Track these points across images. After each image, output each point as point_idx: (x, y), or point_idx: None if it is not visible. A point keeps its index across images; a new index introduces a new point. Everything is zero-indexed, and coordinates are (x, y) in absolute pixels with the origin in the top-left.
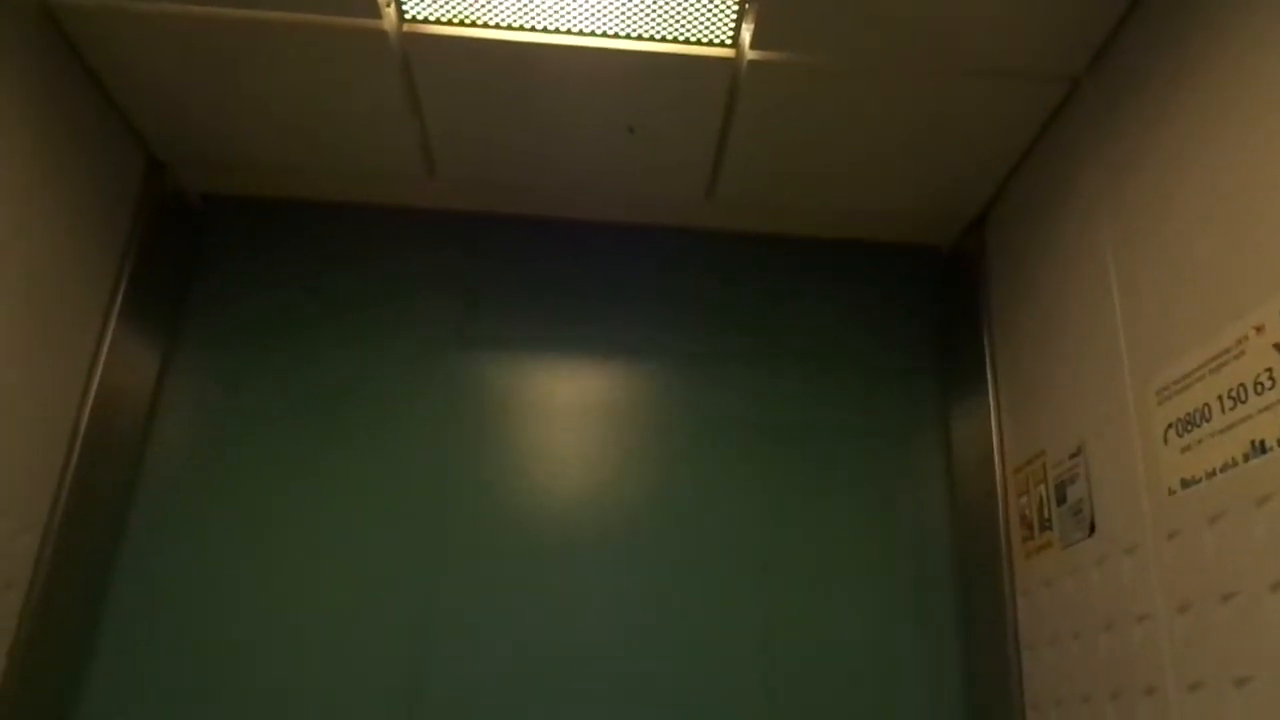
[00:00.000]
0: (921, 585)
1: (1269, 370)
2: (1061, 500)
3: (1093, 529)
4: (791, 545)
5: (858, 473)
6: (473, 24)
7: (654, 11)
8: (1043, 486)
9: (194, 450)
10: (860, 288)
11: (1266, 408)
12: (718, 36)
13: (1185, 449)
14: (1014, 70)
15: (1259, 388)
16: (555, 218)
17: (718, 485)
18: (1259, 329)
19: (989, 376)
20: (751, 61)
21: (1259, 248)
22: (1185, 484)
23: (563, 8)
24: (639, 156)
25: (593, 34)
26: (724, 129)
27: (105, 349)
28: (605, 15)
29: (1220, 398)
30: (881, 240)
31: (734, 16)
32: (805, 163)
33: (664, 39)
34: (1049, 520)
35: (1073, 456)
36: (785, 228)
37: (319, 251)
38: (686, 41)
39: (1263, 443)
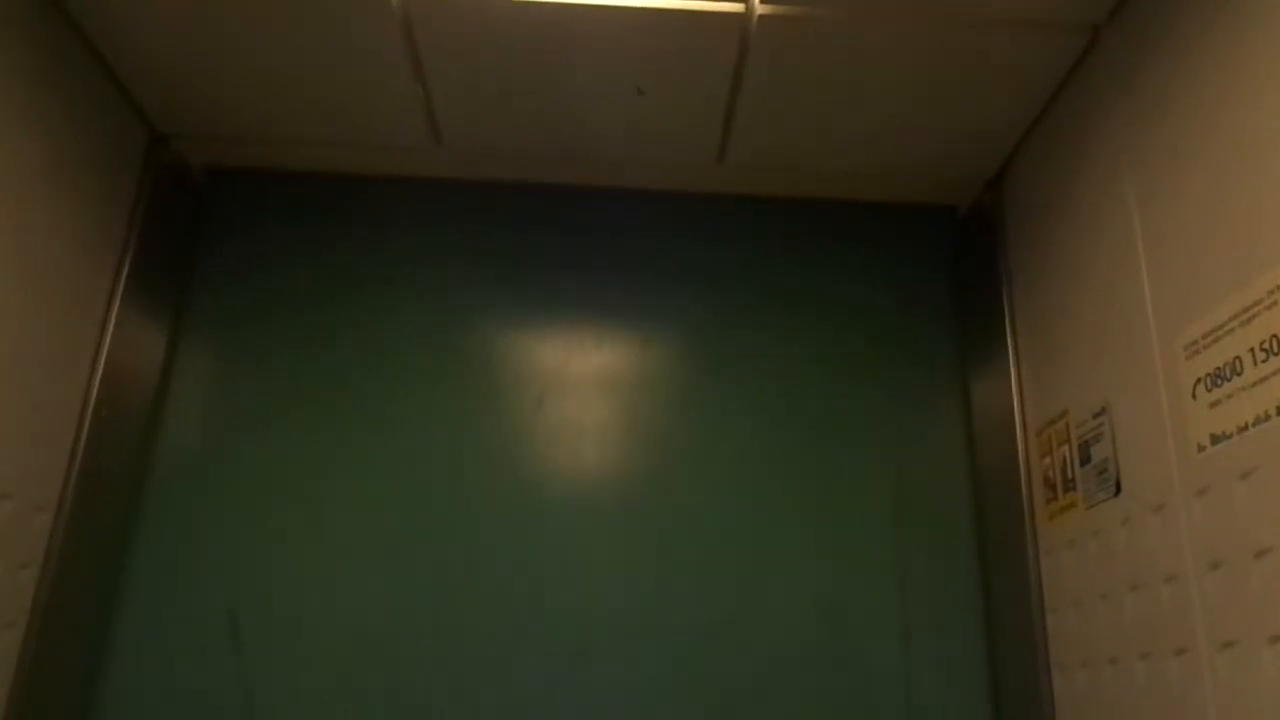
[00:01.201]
0: (941, 548)
1: None
2: (1086, 460)
3: (1118, 488)
4: (808, 510)
5: (876, 436)
6: None
7: None
8: (1066, 447)
9: (205, 426)
10: (876, 250)
11: None
12: None
13: (1215, 404)
14: (1033, 20)
15: None
16: (564, 184)
17: (733, 450)
18: None
19: (1009, 337)
20: (762, 16)
21: None
22: (1215, 440)
23: None
24: (649, 119)
25: None
26: (734, 88)
27: (111, 325)
28: None
29: (1252, 350)
30: (897, 201)
31: None
32: (817, 122)
33: None
34: (1073, 481)
35: (1097, 415)
36: (798, 190)
37: (325, 224)
38: None
39: None
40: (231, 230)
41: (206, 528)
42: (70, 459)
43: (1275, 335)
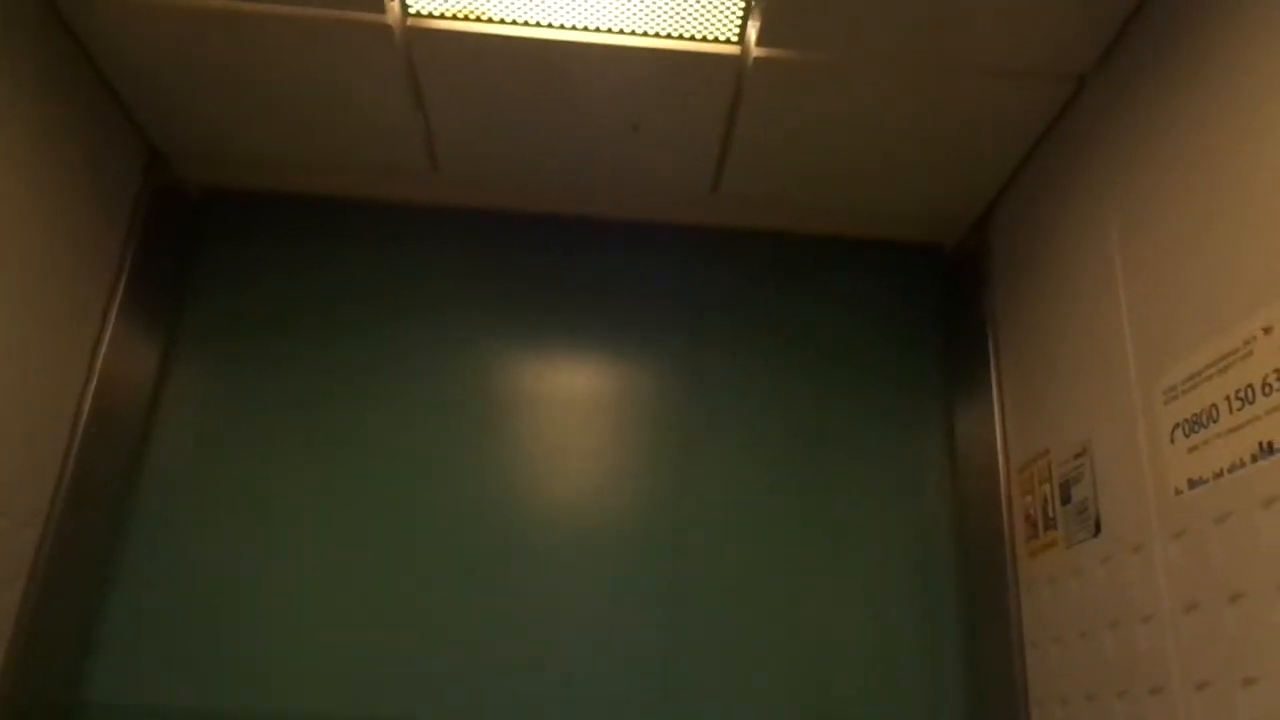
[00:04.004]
0: (925, 583)
1: (1277, 371)
2: (1066, 500)
3: (1098, 528)
4: (794, 542)
5: (861, 470)
6: (477, 19)
7: (660, 8)
8: (1047, 485)
9: (195, 444)
10: (865, 285)
11: (1275, 409)
12: (723, 34)
13: (1192, 449)
14: (1021, 69)
15: (1267, 389)
16: (560, 214)
17: (719, 481)
18: (1267, 330)
19: (993, 375)
20: (757, 59)
21: (1266, 248)
22: (1192, 484)
23: (568, 3)
24: (644, 153)
25: (598, 30)
26: (729, 126)
27: (106, 341)
28: (611, 11)
29: (1228, 398)
30: (886, 238)
31: (740, 14)
32: (810, 160)
33: (669, 35)
34: (1053, 519)
35: (1078, 456)
36: (790, 225)
37: (320, 245)
38: (692, 38)
39: (1271, 444)
40: (227, 250)
41: (192, 543)
42: (59, 475)
43: (1250, 385)
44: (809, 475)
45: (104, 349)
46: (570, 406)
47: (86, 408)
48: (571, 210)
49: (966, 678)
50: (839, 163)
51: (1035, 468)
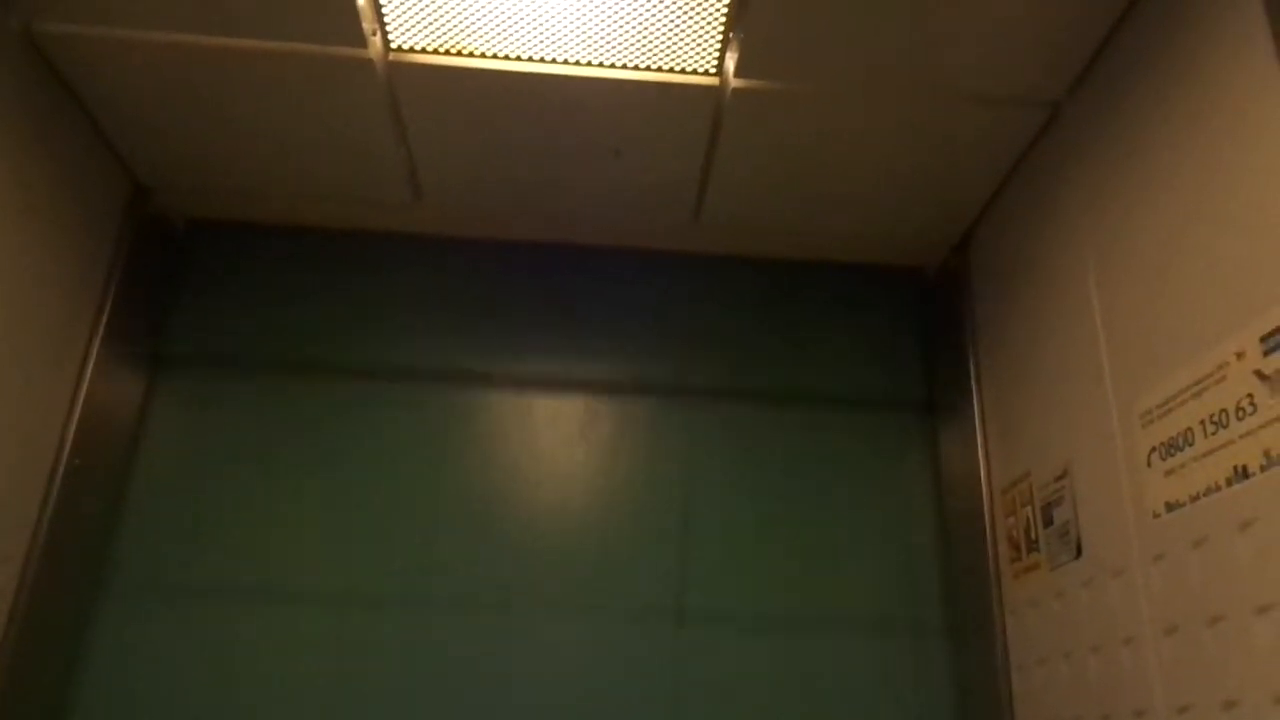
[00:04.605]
0: (911, 605)
1: (1250, 396)
2: (1048, 522)
3: (1079, 551)
4: (781, 569)
5: (846, 493)
6: (458, 53)
7: (639, 41)
8: (1029, 508)
9: (178, 476)
10: (847, 309)
11: (1248, 433)
12: (702, 66)
13: (1169, 473)
14: (997, 96)
15: (1240, 413)
16: (543, 241)
17: (704, 506)
18: (1239, 355)
19: (974, 397)
20: (735, 89)
21: (1236, 272)
22: (1170, 508)
23: (548, 37)
24: (626, 181)
25: (578, 63)
26: (709, 154)
27: (89, 371)
28: (591, 45)
29: (1202, 422)
30: (867, 262)
31: (718, 46)
32: (790, 186)
33: (649, 68)
34: (1036, 542)
35: (1059, 478)
36: (771, 250)
37: (303, 275)
38: (671, 70)
39: (1245, 468)
40: (211, 280)
41: (175, 579)
42: (40, 509)
43: (1224, 409)
44: (792, 498)
45: (87, 382)
46: (556, 434)
47: (69, 441)
48: (555, 238)
49: (954, 701)
50: (819, 189)
51: (1018, 489)
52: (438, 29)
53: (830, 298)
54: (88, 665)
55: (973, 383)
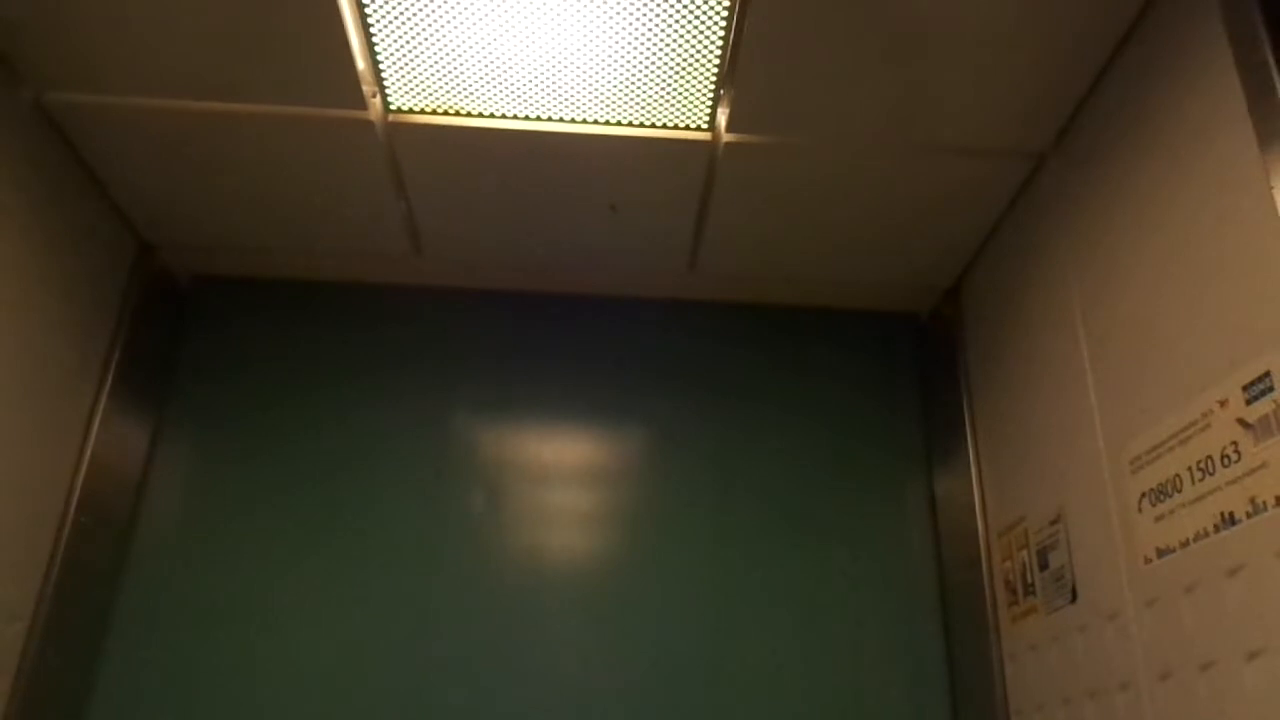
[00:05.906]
0: (909, 650)
1: (1234, 444)
2: (1044, 566)
3: (1074, 595)
4: (778, 610)
5: (844, 537)
6: (456, 113)
7: (633, 99)
8: (1025, 552)
9: (183, 530)
10: (843, 354)
11: (1234, 480)
12: (694, 121)
13: (1159, 518)
14: (983, 147)
15: (1226, 460)
16: (542, 292)
17: (703, 553)
18: (1223, 403)
19: (969, 440)
20: (727, 143)
21: (1218, 321)
22: (1160, 553)
23: (543, 96)
24: (622, 233)
25: (573, 121)
26: (703, 207)
27: (95, 430)
28: (586, 103)
29: (1190, 469)
30: (862, 308)
31: (710, 102)
32: (784, 237)
33: (643, 125)
34: (1032, 586)
35: (1053, 523)
36: (767, 298)
37: (306, 329)
38: (665, 126)
39: (1232, 514)
40: (215, 334)
41: (180, 630)
42: (48, 566)
43: (1210, 456)
44: (791, 543)
45: (93, 439)
46: (555, 484)
47: (75, 498)
48: (552, 289)
49: None
50: (812, 238)
51: (1014, 534)
52: (435, 90)
53: (826, 343)
54: (95, 715)
55: (967, 427)
